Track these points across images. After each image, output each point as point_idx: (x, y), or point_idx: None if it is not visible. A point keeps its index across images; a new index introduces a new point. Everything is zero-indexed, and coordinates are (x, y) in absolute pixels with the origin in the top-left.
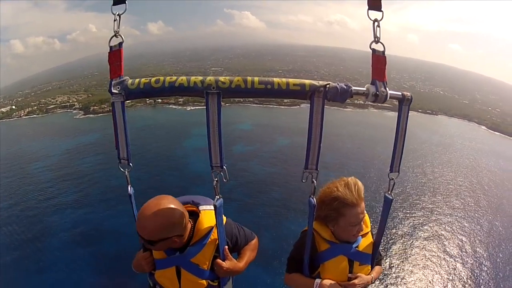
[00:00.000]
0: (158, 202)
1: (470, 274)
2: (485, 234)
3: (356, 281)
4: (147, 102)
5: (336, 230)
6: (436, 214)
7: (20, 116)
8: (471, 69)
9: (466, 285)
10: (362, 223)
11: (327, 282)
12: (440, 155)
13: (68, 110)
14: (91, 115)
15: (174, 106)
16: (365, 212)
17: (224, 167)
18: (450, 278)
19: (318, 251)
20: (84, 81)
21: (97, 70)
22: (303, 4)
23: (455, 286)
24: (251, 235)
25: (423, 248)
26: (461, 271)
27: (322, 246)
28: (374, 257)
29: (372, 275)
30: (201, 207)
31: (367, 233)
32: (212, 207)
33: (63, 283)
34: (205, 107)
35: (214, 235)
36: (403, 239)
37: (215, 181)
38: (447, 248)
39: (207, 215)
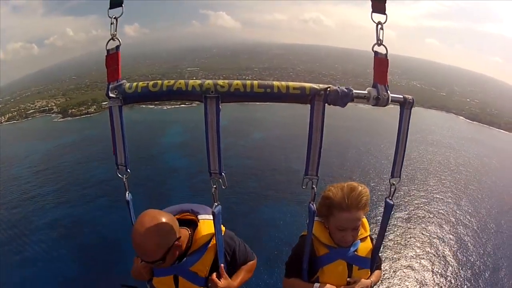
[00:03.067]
0: (141, 224)
1: (436, 240)
2: (451, 212)
3: (355, 285)
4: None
5: (330, 231)
6: (409, 195)
7: (1, 122)
8: (449, 63)
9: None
10: (355, 231)
11: (326, 287)
12: (414, 143)
13: (47, 114)
14: (69, 118)
15: (151, 106)
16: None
17: (223, 173)
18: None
19: (317, 255)
20: (62, 85)
21: (75, 74)
22: (278, 2)
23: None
24: (251, 255)
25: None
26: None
27: (320, 250)
28: (373, 262)
29: (371, 279)
30: (200, 216)
31: (366, 237)
32: (211, 216)
33: (45, 270)
34: (181, 105)
35: (212, 244)
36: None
37: (213, 188)
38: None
39: (206, 225)
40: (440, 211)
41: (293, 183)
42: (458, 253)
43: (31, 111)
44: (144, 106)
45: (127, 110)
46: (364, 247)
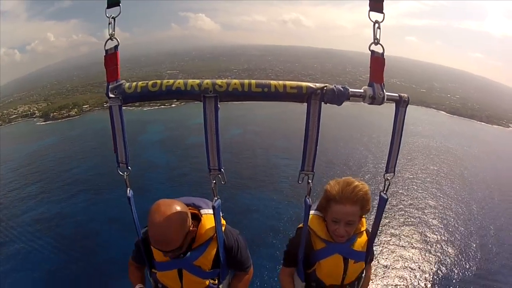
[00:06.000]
0: (161, 213)
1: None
2: (431, 196)
3: None
4: (105, 106)
5: (327, 224)
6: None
7: None
8: (429, 60)
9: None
10: (348, 226)
11: None
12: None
13: (30, 118)
14: (51, 121)
15: (130, 108)
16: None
17: (222, 169)
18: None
19: (314, 249)
20: (44, 91)
21: (56, 80)
22: (257, 4)
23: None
24: (249, 260)
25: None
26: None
27: (317, 244)
28: (368, 255)
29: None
30: (202, 211)
31: (362, 232)
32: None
33: (26, 260)
34: (161, 106)
35: (215, 238)
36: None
37: (213, 183)
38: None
39: (209, 220)
40: (420, 195)
41: (268, 171)
42: (437, 233)
43: (14, 116)
44: (124, 107)
45: (108, 112)
46: (360, 241)
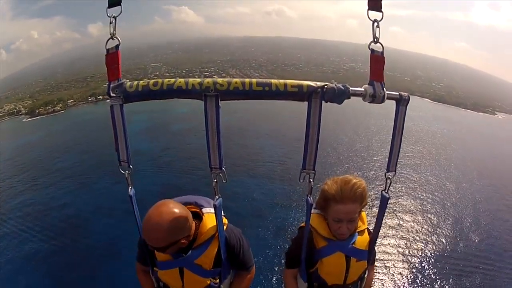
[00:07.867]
0: (159, 210)
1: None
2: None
3: None
4: (89, 100)
5: (328, 223)
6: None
7: None
8: (414, 50)
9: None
10: (350, 223)
11: None
12: (375, 120)
13: (16, 116)
14: (37, 117)
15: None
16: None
17: (223, 168)
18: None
19: (316, 247)
20: (29, 88)
21: (40, 77)
22: None
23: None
24: (251, 259)
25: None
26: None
27: (319, 243)
28: (370, 254)
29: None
30: (204, 210)
31: (364, 230)
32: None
33: (14, 247)
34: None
35: (216, 237)
36: None
37: (214, 182)
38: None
39: (210, 218)
40: (397, 174)
41: (251, 157)
42: (414, 208)
43: (0, 115)
44: (108, 101)
45: (92, 106)
46: (361, 240)
